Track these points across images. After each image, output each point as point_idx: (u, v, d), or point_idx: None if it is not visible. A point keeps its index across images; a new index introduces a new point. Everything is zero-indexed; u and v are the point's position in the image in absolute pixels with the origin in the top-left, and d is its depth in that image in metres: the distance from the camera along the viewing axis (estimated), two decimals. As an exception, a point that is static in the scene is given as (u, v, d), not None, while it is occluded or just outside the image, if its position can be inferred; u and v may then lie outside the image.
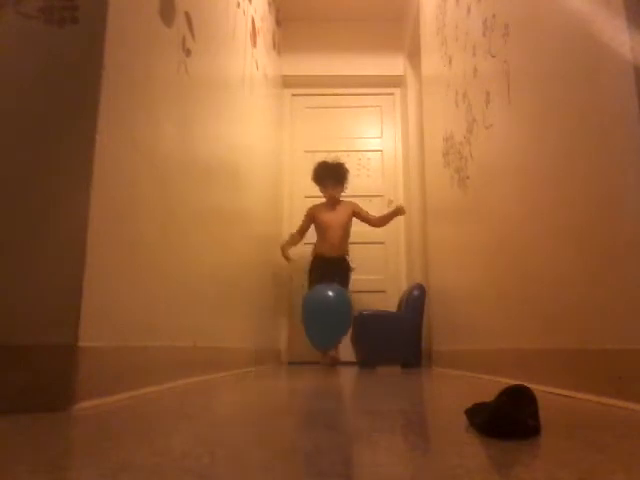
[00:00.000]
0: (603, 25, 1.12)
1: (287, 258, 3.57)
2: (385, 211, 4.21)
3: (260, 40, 3.26)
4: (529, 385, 0.80)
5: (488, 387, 1.49)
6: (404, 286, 3.89)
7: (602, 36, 1.12)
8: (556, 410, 0.99)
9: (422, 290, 3.23)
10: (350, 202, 3.65)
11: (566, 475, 0.49)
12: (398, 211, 3.43)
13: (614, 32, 1.07)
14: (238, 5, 2.57)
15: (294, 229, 4.22)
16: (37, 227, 1.01)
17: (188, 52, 1.71)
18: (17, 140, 1.04)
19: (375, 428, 0.79)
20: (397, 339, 3.09)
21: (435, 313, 3.08)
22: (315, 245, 3.60)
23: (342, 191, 3.60)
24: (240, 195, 2.62)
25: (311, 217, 3.64)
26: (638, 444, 0.66)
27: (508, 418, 0.67)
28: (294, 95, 4.39)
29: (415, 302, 3.18)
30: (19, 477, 0.47)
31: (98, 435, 0.72)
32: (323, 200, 3.62)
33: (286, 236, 4.21)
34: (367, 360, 3.04)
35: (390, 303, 3.59)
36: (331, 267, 3.44)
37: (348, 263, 3.51)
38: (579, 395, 1.17)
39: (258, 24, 3.18)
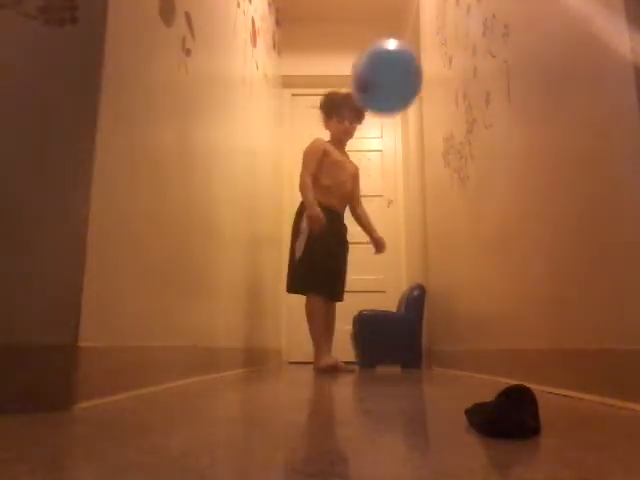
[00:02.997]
0: (603, 25, 1.12)
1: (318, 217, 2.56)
2: (384, 211, 4.22)
3: (260, 40, 3.26)
4: (529, 385, 0.80)
5: (488, 387, 1.49)
6: (404, 286, 3.89)
7: (602, 36, 1.12)
8: (556, 410, 0.99)
9: (422, 290, 3.23)
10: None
11: (566, 475, 0.49)
12: (377, 243, 2.88)
13: (614, 32, 1.07)
14: (238, 5, 2.57)
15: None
16: (37, 227, 1.01)
17: (188, 52, 1.71)
18: (17, 140, 1.04)
19: (375, 428, 0.79)
20: (397, 339, 3.09)
21: (435, 313, 3.08)
22: (315, 190, 2.66)
23: (355, 132, 2.90)
24: (240, 195, 2.62)
25: (321, 153, 2.71)
26: (638, 444, 0.66)
27: (508, 418, 0.67)
28: (294, 95, 4.38)
29: (415, 302, 3.18)
30: (19, 477, 0.47)
31: (98, 435, 0.72)
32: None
33: (286, 237, 4.20)
34: (367, 360, 3.04)
35: (390, 303, 3.59)
36: (343, 230, 2.79)
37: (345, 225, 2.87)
38: (579, 395, 1.17)
39: (258, 24, 3.19)
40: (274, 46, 3.93)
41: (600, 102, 1.14)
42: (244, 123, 2.73)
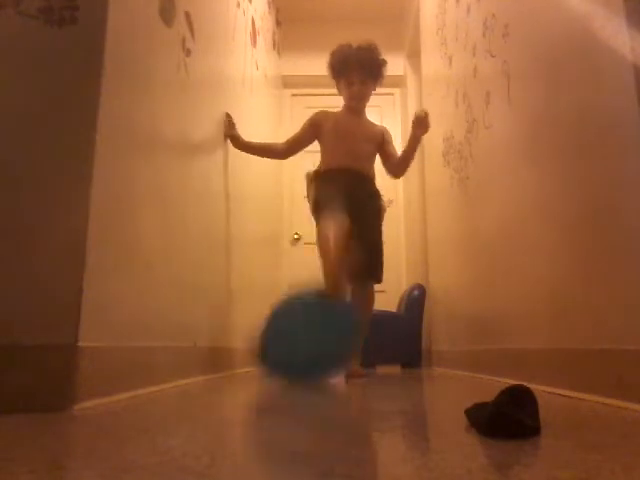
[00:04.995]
0: (603, 25, 1.12)
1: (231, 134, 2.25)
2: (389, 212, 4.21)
3: (260, 40, 3.26)
4: (529, 385, 0.80)
5: (488, 387, 1.49)
6: (404, 286, 3.89)
7: (602, 36, 1.12)
8: (556, 410, 0.99)
9: (422, 290, 3.23)
10: (382, 126, 2.44)
11: (566, 475, 0.49)
12: (418, 123, 2.22)
13: (614, 32, 1.07)
14: (238, 5, 2.57)
15: (294, 229, 4.21)
16: (37, 227, 1.01)
17: (188, 52, 1.71)
18: (17, 140, 1.04)
19: (375, 428, 0.79)
20: (397, 339, 3.08)
21: (435, 313, 3.08)
22: (321, 162, 2.31)
23: (373, 89, 2.33)
24: (240, 195, 2.62)
25: (314, 125, 2.31)
26: (638, 444, 0.66)
27: (508, 418, 0.67)
28: (294, 95, 4.38)
29: (415, 302, 3.18)
30: (19, 477, 0.47)
31: (98, 435, 0.71)
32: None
33: (286, 236, 4.21)
34: (367, 360, 3.04)
35: (390, 303, 3.59)
36: (352, 182, 2.17)
37: (377, 190, 2.31)
38: (579, 395, 1.17)
39: (258, 24, 3.19)
40: (274, 46, 3.93)
41: (600, 102, 1.13)
42: (244, 123, 2.73)
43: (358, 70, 2.27)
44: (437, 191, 3.06)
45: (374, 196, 2.30)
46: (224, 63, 2.29)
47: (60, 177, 1.03)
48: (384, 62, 2.34)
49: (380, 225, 2.28)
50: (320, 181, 2.24)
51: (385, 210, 2.38)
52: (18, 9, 1.08)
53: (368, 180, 2.28)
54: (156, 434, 0.71)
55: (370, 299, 2.24)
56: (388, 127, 3.86)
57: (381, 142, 2.35)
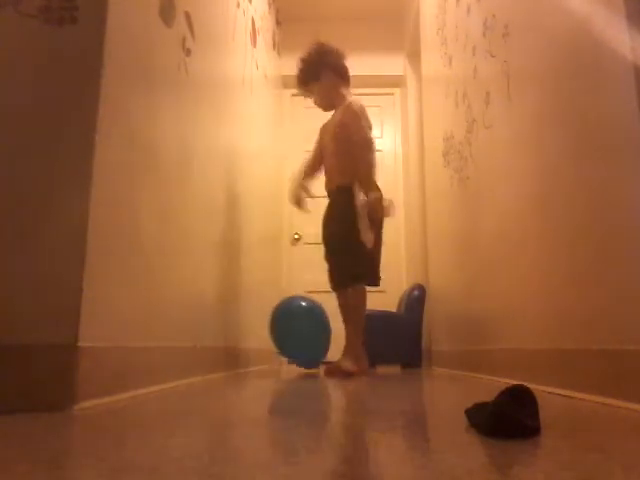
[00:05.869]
0: (603, 25, 1.12)
1: (299, 203, 2.56)
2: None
3: (260, 40, 3.26)
4: (529, 385, 0.80)
5: (488, 387, 1.49)
6: (404, 286, 3.89)
7: (602, 36, 1.12)
8: (556, 410, 0.99)
9: (422, 290, 3.23)
10: (351, 103, 2.39)
11: (566, 475, 0.49)
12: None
13: (614, 32, 1.07)
14: (238, 5, 2.57)
15: (294, 229, 4.21)
16: (37, 227, 1.01)
17: (188, 52, 1.71)
18: (17, 140, 1.04)
19: (375, 428, 0.79)
20: (397, 339, 3.09)
21: (435, 313, 3.08)
22: None
23: (327, 82, 2.49)
24: (240, 195, 2.62)
25: (319, 135, 2.64)
26: (638, 444, 0.66)
27: (508, 418, 0.67)
28: (294, 95, 4.38)
29: (415, 302, 3.18)
30: (19, 477, 0.47)
31: (98, 435, 0.71)
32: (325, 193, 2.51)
33: (286, 236, 4.21)
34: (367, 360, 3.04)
35: (390, 303, 3.59)
36: (332, 205, 2.43)
37: (347, 195, 2.28)
38: (579, 395, 1.17)
39: (258, 24, 3.19)
40: (274, 46, 3.93)
41: (600, 102, 1.14)
42: (244, 123, 2.73)
43: (303, 88, 2.59)
44: (437, 191, 3.06)
45: (339, 204, 2.36)
46: (224, 63, 2.29)
47: (60, 177, 1.03)
48: (312, 56, 2.52)
49: (339, 229, 2.31)
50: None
51: (374, 208, 2.30)
52: (18, 8, 1.08)
53: (336, 195, 2.40)
54: (156, 434, 0.71)
55: (351, 302, 2.34)
56: (388, 127, 3.79)
57: (342, 124, 2.38)
